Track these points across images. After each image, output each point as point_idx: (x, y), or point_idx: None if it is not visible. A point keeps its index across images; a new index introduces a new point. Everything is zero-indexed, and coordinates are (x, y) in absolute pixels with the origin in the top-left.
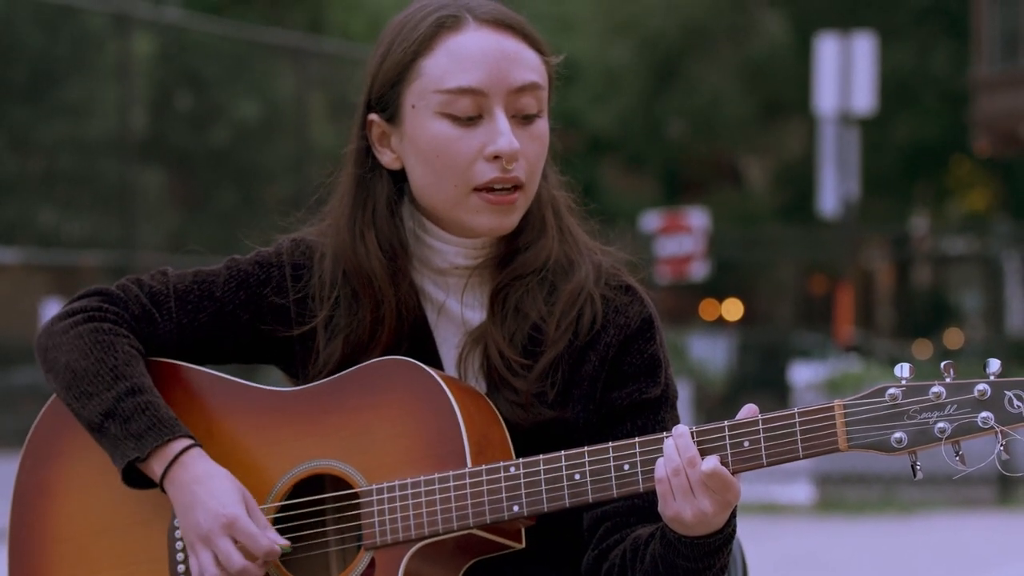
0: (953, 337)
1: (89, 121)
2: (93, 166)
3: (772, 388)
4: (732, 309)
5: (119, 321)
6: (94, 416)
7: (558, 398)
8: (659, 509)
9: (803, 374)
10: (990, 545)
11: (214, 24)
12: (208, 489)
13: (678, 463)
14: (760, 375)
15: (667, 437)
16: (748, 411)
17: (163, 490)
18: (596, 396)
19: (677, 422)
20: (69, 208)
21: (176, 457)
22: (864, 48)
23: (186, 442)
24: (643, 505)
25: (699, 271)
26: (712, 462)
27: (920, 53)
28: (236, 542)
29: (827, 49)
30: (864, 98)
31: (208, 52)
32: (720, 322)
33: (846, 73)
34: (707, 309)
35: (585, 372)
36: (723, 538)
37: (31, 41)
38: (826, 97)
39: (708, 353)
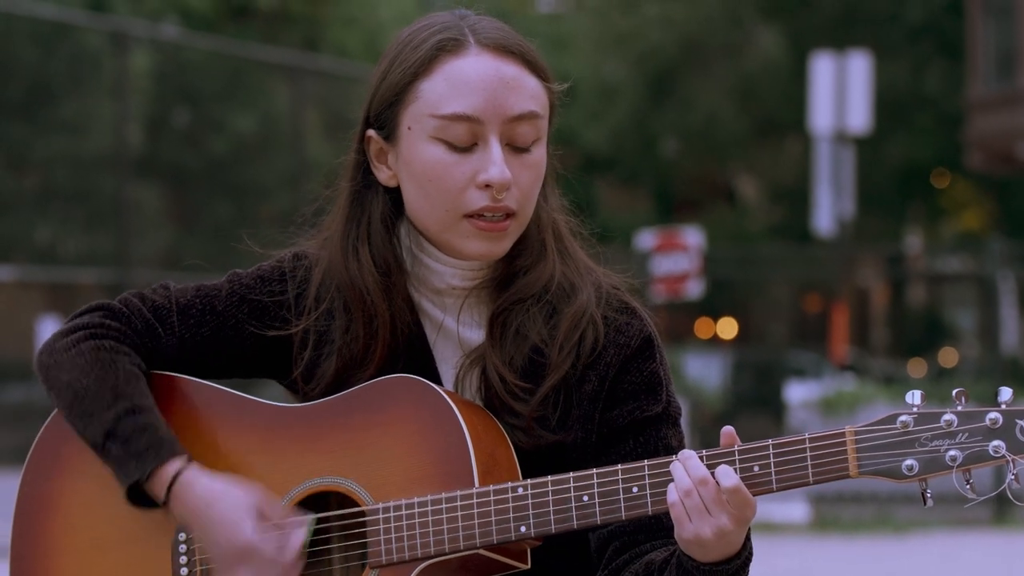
0: (948, 356)
1: (85, 138)
2: (89, 183)
3: (767, 407)
4: (727, 328)
5: (121, 338)
6: (96, 436)
7: (560, 422)
8: (676, 534)
9: (798, 393)
10: (986, 565)
11: (210, 41)
12: (215, 516)
13: (689, 484)
14: (755, 394)
15: (675, 460)
16: (726, 436)
17: (168, 509)
18: (595, 416)
19: (681, 439)
20: (65, 225)
21: (175, 478)
22: (859, 67)
23: (178, 464)
24: (651, 523)
25: (694, 290)
26: (734, 479)
27: (914, 72)
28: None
29: (822, 68)
30: (859, 117)
31: (204, 69)
32: (715, 341)
33: (841, 92)
34: (702, 328)
35: (584, 392)
36: (740, 562)
37: (28, 58)
38: (821, 116)
39: (703, 372)
